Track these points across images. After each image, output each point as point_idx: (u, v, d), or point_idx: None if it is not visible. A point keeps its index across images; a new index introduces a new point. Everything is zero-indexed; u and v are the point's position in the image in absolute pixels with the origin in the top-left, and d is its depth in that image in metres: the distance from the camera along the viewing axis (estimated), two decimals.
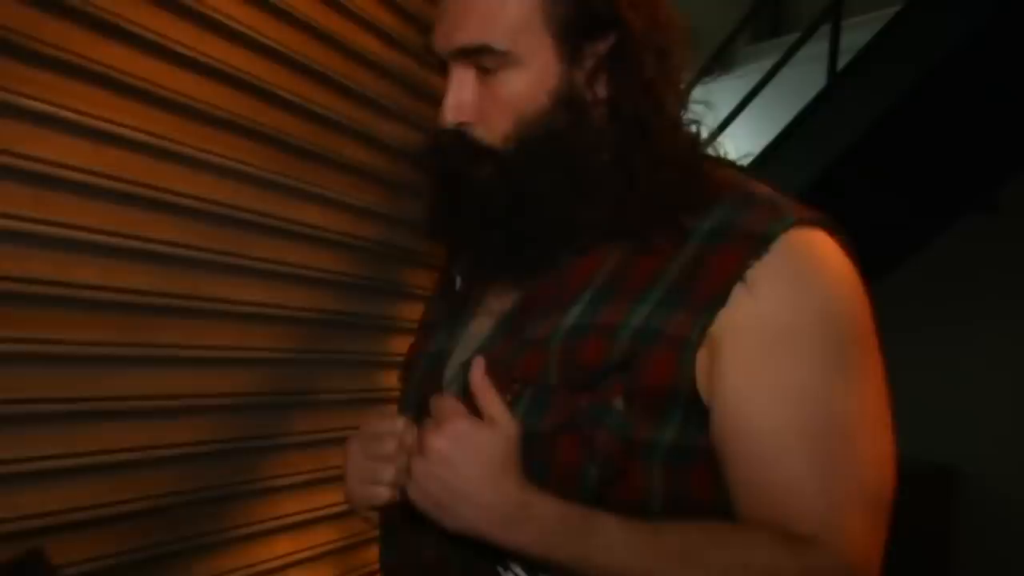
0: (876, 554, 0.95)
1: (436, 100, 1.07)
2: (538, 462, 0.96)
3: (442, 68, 1.06)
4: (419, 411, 1.04)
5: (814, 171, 4.77)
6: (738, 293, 0.95)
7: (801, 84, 5.03)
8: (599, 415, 0.96)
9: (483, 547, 0.94)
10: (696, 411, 0.96)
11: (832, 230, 1.02)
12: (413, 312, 1.45)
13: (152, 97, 1.92)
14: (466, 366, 1.02)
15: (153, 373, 1.95)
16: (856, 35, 4.84)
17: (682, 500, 0.98)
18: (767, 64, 5.32)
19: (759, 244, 0.96)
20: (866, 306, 0.99)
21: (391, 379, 1.78)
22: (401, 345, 1.37)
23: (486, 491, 0.92)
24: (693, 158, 1.07)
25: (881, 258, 5.44)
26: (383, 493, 1.03)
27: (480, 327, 1.10)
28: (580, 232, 1.03)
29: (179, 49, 1.98)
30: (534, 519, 0.92)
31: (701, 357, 0.96)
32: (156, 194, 1.93)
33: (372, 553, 1.40)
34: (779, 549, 0.92)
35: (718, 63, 5.73)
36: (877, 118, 4.53)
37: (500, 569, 0.98)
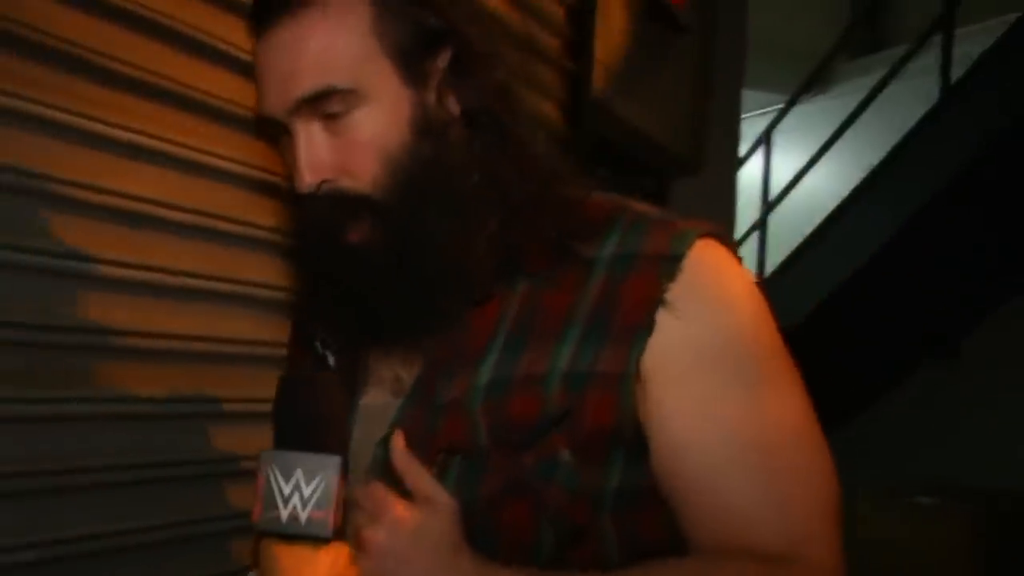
0: (841, 562, 0.92)
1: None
2: (483, 531, 0.91)
3: (275, 135, 0.98)
4: None
5: (925, 195, 4.46)
6: (662, 317, 0.92)
7: (903, 102, 4.75)
8: (547, 471, 0.92)
9: None
10: (638, 446, 0.93)
11: (722, 239, 0.98)
12: None
13: (252, 126, 1.73)
14: (383, 445, 0.96)
15: (250, 430, 1.75)
16: (968, 46, 4.54)
17: (636, 545, 0.94)
18: (867, 82, 5.06)
19: (669, 265, 0.93)
20: (770, 315, 0.97)
21: None
22: None
23: None
24: (562, 182, 1.01)
25: (989, 288, 5.08)
26: None
27: (375, 399, 1.03)
28: (474, 277, 0.96)
29: None
30: None
31: (638, 389, 0.92)
32: (259, 232, 1.74)
33: None
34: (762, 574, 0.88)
35: (815, 82, 5.48)
36: (996, 133, 4.22)
37: None
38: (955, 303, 5.04)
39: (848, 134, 4.93)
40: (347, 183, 0.93)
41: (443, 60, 0.96)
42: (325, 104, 0.92)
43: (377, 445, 0.97)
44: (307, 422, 0.93)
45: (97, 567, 1.46)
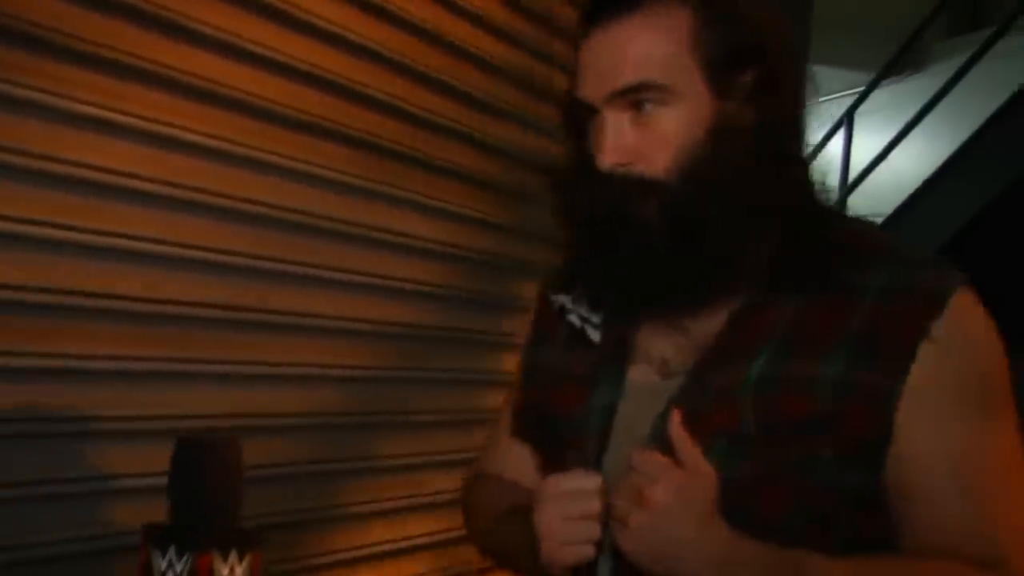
0: None
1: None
2: (738, 511, 1.00)
3: (576, 113, 1.10)
4: (599, 466, 1.10)
5: (1005, 181, 4.27)
6: (924, 348, 1.01)
7: (999, 83, 4.52)
8: (808, 466, 1.02)
9: None
10: (880, 455, 1.02)
11: (972, 287, 1.08)
12: (521, 326, 1.40)
13: (225, 100, 1.84)
14: (662, 418, 1.06)
15: (219, 390, 1.86)
16: None
17: (859, 539, 1.04)
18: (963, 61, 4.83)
19: (936, 303, 1.02)
20: (1006, 360, 1.07)
21: (495, 399, 1.76)
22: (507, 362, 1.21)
23: (704, 539, 0.97)
24: (825, 206, 1.11)
25: None
26: (591, 552, 1.05)
27: (642, 376, 1.13)
28: (742, 275, 1.06)
29: (258, 50, 1.90)
30: (747, 564, 0.98)
31: (897, 408, 1.01)
32: (228, 203, 1.85)
33: None
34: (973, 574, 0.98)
35: (907, 60, 5.25)
36: None
37: None
38: None
39: (938, 115, 4.73)
40: (642, 168, 1.04)
41: (749, 78, 1.05)
42: (638, 95, 1.04)
43: (657, 417, 1.08)
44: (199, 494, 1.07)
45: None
